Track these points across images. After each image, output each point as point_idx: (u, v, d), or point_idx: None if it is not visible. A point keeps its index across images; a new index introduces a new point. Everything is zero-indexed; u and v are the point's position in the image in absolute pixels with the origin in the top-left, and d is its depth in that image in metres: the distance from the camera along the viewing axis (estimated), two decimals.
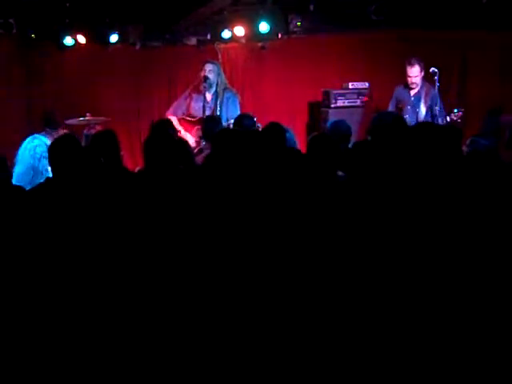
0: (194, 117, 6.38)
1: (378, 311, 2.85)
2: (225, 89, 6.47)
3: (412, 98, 6.54)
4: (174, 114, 6.55)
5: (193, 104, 6.40)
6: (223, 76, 6.59)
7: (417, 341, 2.77)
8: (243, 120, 5.32)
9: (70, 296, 3.01)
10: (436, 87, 6.31)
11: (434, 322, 2.79)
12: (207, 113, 6.24)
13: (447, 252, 2.93)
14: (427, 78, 6.51)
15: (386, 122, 4.16)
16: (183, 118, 6.51)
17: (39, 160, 5.59)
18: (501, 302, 2.81)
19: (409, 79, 6.48)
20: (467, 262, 2.89)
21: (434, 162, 3.32)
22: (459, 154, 3.50)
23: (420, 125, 4.13)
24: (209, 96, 6.42)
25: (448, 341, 2.75)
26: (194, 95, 6.45)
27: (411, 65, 6.43)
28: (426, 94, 6.45)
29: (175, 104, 6.69)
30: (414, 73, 6.43)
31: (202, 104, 6.24)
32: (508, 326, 2.75)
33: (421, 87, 6.50)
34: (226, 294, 2.92)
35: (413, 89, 6.52)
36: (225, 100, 6.36)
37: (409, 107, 6.53)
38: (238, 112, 6.26)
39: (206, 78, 6.34)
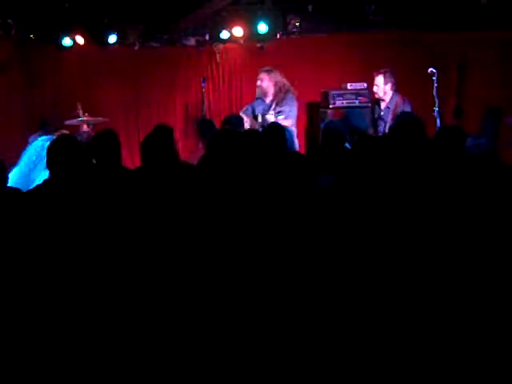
0: (255, 116, 6.75)
1: (378, 311, 2.85)
2: (285, 90, 6.74)
3: (382, 113, 6.62)
4: (244, 114, 6.80)
5: (257, 106, 6.82)
6: (280, 78, 6.82)
7: (416, 340, 2.77)
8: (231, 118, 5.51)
9: (69, 297, 3.01)
10: (435, 88, 6.33)
11: (433, 321, 2.79)
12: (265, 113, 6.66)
13: (447, 251, 2.93)
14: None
15: (405, 123, 4.11)
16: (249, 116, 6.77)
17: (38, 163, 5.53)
18: (501, 301, 2.81)
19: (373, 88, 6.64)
20: (467, 262, 2.88)
21: (436, 162, 3.32)
22: (461, 155, 3.49)
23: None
24: (268, 99, 6.78)
25: (448, 340, 2.75)
26: (259, 99, 6.86)
27: (375, 74, 6.55)
28: (396, 108, 6.47)
29: (246, 105, 7.07)
30: (376, 82, 6.54)
31: (262, 107, 6.73)
32: (508, 325, 2.75)
33: (390, 100, 6.53)
34: (221, 294, 2.92)
35: (383, 101, 6.59)
36: (282, 100, 6.68)
37: (380, 121, 6.62)
38: (294, 109, 6.64)
39: (258, 87, 6.82)
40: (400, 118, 4.81)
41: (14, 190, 3.66)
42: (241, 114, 6.76)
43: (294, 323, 2.84)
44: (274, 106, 6.67)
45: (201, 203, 3.20)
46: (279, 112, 6.42)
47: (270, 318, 2.84)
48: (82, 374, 2.85)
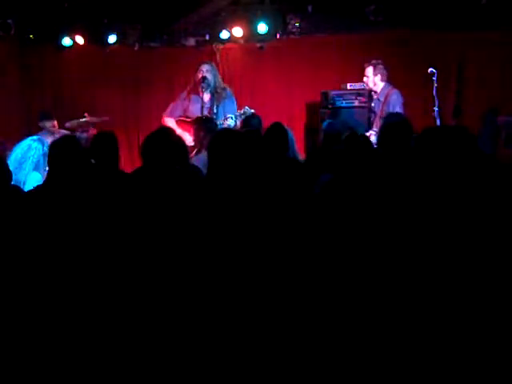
0: (191, 118, 6.42)
1: (378, 311, 2.85)
2: (223, 88, 6.56)
3: (372, 104, 6.70)
4: (171, 116, 6.59)
5: (191, 105, 6.45)
6: (219, 76, 6.67)
7: (416, 341, 2.77)
8: (249, 120, 5.40)
9: (68, 297, 3.01)
10: (435, 88, 6.34)
11: (433, 322, 2.79)
12: (205, 113, 6.29)
13: (447, 252, 2.93)
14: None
15: (394, 124, 4.13)
16: (181, 120, 6.52)
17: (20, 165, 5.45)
18: (501, 301, 2.81)
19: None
20: (467, 263, 2.88)
21: (441, 162, 3.32)
22: (468, 154, 3.49)
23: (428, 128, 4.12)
24: (206, 96, 6.47)
25: (448, 340, 2.75)
26: (193, 96, 6.49)
27: (366, 65, 6.63)
28: (385, 100, 6.54)
29: (172, 106, 6.71)
30: (366, 73, 6.63)
31: (199, 105, 6.27)
32: (508, 326, 2.75)
33: (381, 92, 6.60)
34: (222, 295, 2.92)
35: (374, 92, 6.66)
36: (223, 99, 6.46)
37: (370, 112, 6.71)
38: (235, 109, 6.36)
39: (204, 79, 6.41)
40: (388, 120, 4.80)
41: (16, 189, 3.66)
42: (166, 118, 6.51)
43: (295, 322, 2.85)
44: (214, 107, 6.38)
45: (201, 204, 3.20)
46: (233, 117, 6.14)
47: (272, 317, 2.84)
48: (81, 373, 2.86)
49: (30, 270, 3.06)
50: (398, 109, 6.35)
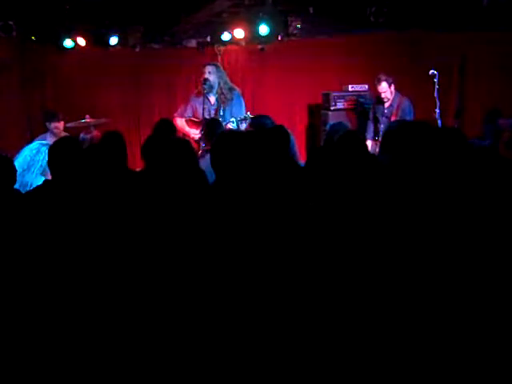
0: (198, 118, 6.45)
1: (379, 311, 2.85)
2: (230, 88, 6.53)
3: (385, 111, 6.68)
4: (181, 116, 6.62)
5: (198, 106, 6.46)
6: (225, 76, 6.62)
7: (417, 341, 2.77)
8: (261, 120, 5.37)
9: (70, 298, 3.01)
10: (436, 90, 6.35)
11: (434, 321, 2.79)
12: (211, 114, 6.35)
13: (448, 251, 2.93)
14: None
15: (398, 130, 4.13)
16: (190, 119, 6.56)
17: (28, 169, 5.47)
18: (501, 302, 2.81)
19: (380, 95, 6.65)
20: (468, 262, 2.88)
21: (438, 164, 3.32)
22: (462, 156, 3.49)
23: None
24: (212, 98, 6.50)
25: (448, 341, 2.75)
26: (199, 98, 6.49)
27: (378, 82, 6.59)
28: (398, 107, 6.58)
29: (182, 107, 6.74)
30: (383, 89, 6.58)
31: (206, 107, 6.34)
32: (508, 326, 2.75)
33: (393, 100, 6.63)
34: (224, 295, 2.92)
35: (387, 100, 6.66)
36: (229, 100, 6.44)
37: (384, 118, 6.67)
38: (243, 111, 6.34)
39: (205, 80, 6.42)
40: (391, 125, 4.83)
41: (17, 192, 3.67)
42: (177, 119, 6.51)
43: (296, 322, 2.85)
44: (220, 109, 6.37)
45: (205, 206, 3.20)
46: (243, 119, 6.10)
47: (272, 318, 2.84)
48: (81, 373, 2.86)
49: (30, 272, 3.07)
50: (411, 115, 6.44)
